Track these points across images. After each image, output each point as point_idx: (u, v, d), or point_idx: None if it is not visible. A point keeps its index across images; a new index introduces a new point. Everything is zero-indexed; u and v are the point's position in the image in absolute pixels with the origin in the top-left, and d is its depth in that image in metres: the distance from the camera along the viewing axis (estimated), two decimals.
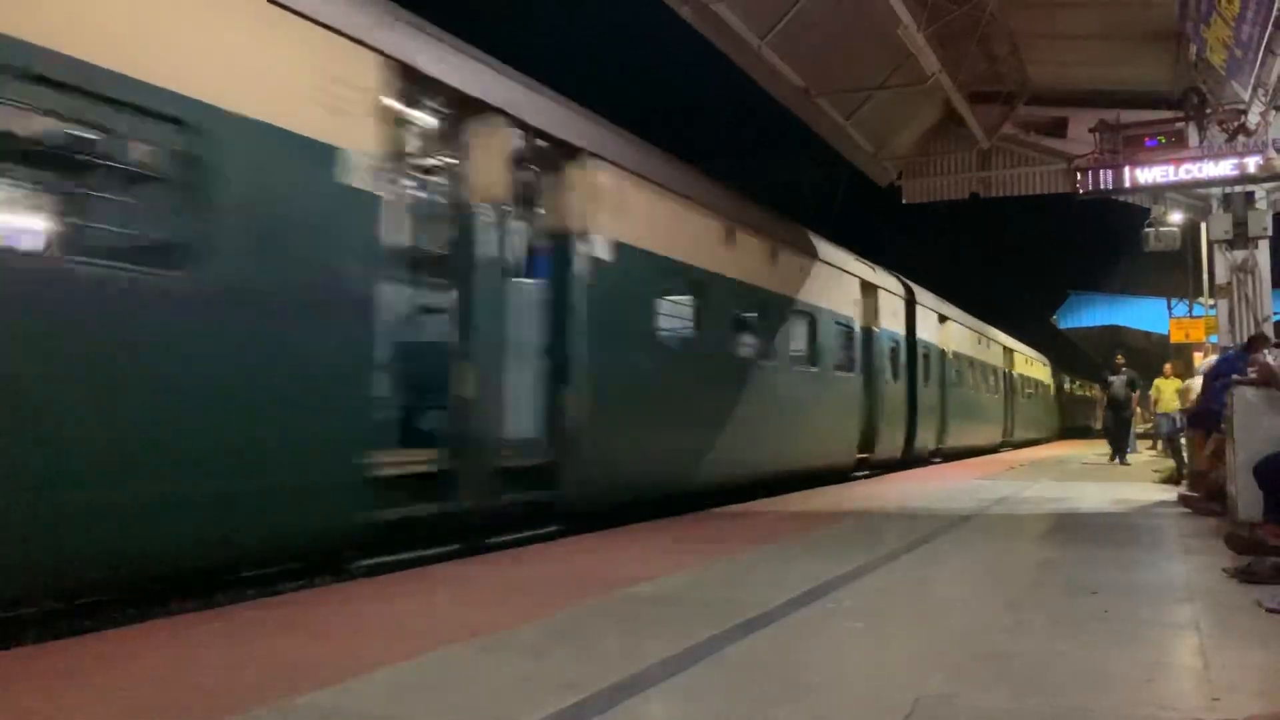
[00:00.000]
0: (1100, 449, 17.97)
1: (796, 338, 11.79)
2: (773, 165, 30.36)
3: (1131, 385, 17.64)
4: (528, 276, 7.23)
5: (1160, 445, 18.77)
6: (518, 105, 6.80)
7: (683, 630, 3.65)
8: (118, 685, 3.04)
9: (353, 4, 5.58)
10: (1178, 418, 17.19)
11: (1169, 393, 17.49)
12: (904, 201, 16.04)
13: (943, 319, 18.87)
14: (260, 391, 4.82)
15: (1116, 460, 17.02)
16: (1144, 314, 32.20)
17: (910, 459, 16.00)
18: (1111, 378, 17.86)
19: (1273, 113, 9.74)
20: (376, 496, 5.41)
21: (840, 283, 13.20)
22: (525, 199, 7.17)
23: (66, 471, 4.01)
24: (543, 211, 7.36)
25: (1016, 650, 3.45)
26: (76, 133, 4.19)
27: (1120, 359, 18.11)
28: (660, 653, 3.30)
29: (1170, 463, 13.01)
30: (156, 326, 4.36)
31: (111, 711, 2.78)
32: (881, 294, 14.81)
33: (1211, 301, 15.54)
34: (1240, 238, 11.24)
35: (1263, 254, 11.44)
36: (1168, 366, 18.59)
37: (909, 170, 15.87)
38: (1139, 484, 11.65)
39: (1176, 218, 15.21)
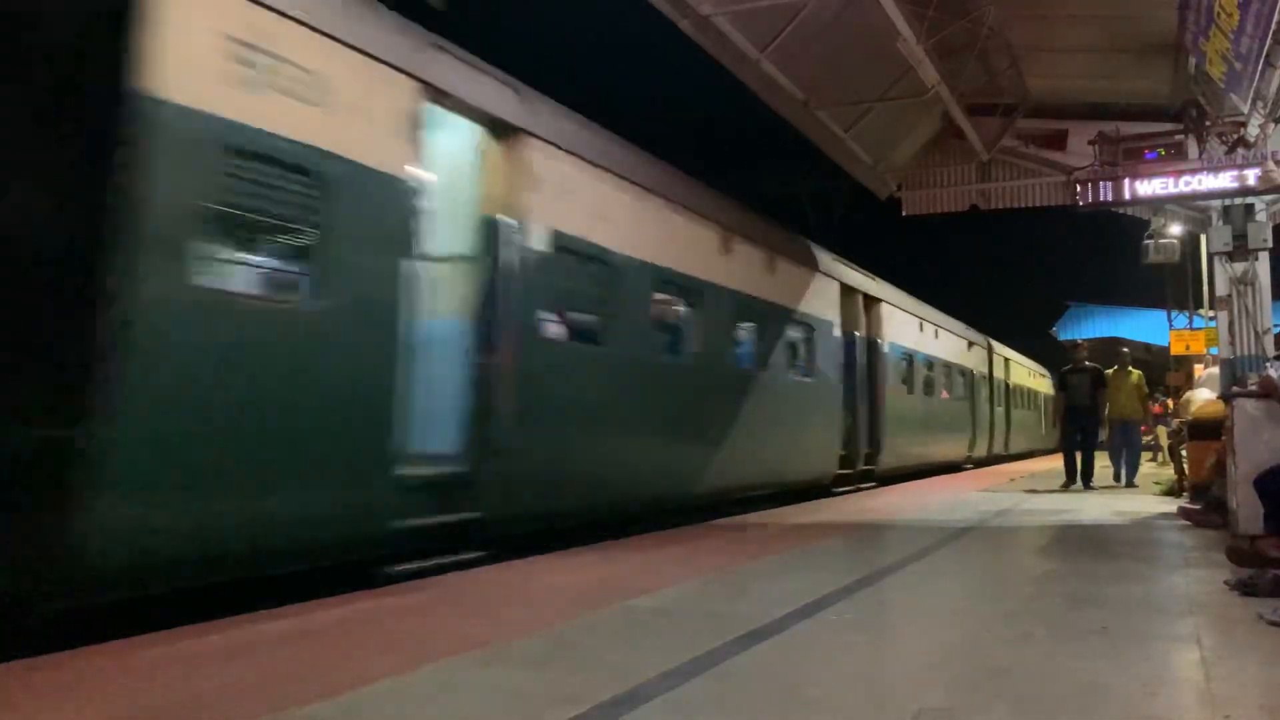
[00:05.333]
0: (1101, 462, 13.47)
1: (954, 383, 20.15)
2: (771, 177, 30.40)
3: (1098, 382, 12.95)
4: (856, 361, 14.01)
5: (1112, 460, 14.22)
6: (841, 273, 13.45)
7: (683, 643, 3.64)
8: (116, 697, 3.04)
9: (832, 262, 13.11)
10: (1130, 426, 13.47)
11: (1125, 391, 13.22)
12: (904, 214, 16.06)
13: (1006, 361, 25.60)
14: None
15: (1080, 484, 12.72)
16: (1144, 326, 32.16)
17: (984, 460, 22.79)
18: (1070, 375, 13.08)
19: (1272, 125, 9.75)
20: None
21: (961, 346, 20.86)
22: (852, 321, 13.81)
23: None
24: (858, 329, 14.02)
25: (1017, 664, 3.44)
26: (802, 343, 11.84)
27: (1084, 349, 13.49)
28: (660, 666, 3.30)
29: (1170, 473, 12.88)
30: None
31: None
32: (974, 347, 22.06)
33: (1212, 313, 15.48)
34: (1240, 250, 11.26)
35: (1263, 266, 11.47)
36: (1125, 351, 14.26)
37: (909, 182, 15.89)
38: (1139, 496, 11.62)
39: (1176, 230, 15.25)
